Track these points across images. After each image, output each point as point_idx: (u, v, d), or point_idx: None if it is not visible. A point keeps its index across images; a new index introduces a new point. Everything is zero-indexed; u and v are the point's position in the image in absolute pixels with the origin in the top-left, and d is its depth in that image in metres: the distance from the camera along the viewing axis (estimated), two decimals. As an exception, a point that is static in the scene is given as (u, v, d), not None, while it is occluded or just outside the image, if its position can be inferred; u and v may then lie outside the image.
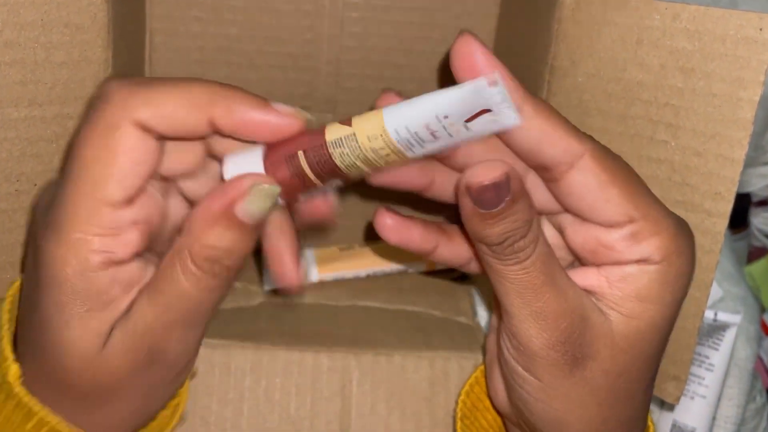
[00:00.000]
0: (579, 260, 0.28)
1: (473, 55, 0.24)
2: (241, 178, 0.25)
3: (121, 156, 0.24)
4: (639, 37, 0.30)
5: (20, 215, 0.32)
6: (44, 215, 0.25)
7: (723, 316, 0.42)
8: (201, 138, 0.26)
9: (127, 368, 0.26)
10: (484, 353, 0.35)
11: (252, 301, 0.41)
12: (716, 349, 0.42)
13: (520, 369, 0.28)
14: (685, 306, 0.34)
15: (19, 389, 0.26)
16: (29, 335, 0.27)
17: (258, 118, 0.24)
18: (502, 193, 0.24)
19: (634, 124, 0.32)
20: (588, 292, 0.27)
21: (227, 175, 0.26)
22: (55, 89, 0.31)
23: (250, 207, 0.24)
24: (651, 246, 0.26)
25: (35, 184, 0.32)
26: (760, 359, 0.51)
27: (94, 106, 0.25)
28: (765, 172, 0.54)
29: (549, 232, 0.28)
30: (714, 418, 0.43)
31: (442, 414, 0.37)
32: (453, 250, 0.29)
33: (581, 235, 0.27)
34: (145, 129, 0.24)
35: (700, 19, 0.29)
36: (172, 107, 0.24)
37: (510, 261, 0.25)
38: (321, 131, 0.25)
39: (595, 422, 0.28)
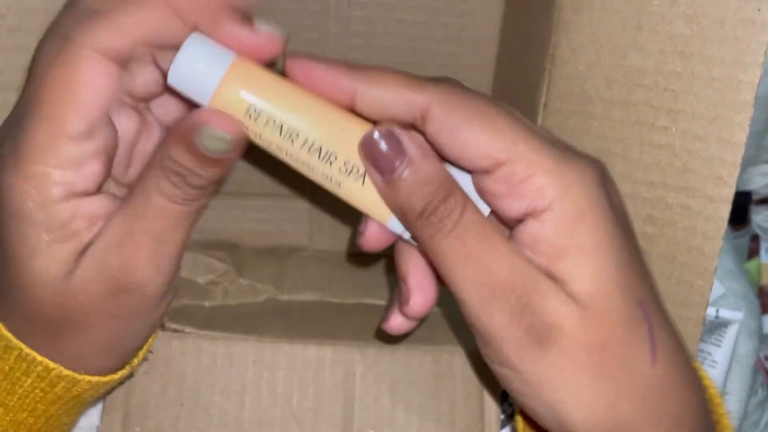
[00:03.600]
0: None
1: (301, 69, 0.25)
2: (201, 111, 0.25)
3: (82, 89, 0.24)
4: (638, 23, 0.31)
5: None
6: (2, 148, 0.25)
7: (725, 313, 0.42)
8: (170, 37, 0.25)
9: (96, 293, 0.26)
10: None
11: (257, 298, 0.41)
12: (718, 346, 0.42)
13: (497, 367, 0.26)
14: (689, 295, 0.34)
15: None
16: None
17: (246, 37, 0.25)
18: (396, 151, 0.24)
19: (636, 110, 0.32)
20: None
21: (174, 83, 0.25)
22: None
23: (205, 142, 0.24)
24: (536, 186, 0.24)
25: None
26: (759, 359, 0.51)
27: (52, 39, 0.24)
28: (766, 170, 0.55)
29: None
30: (718, 416, 0.43)
31: (447, 408, 0.36)
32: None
33: (483, 188, 0.25)
34: (109, 55, 0.24)
35: (699, 2, 0.30)
36: (131, 18, 0.24)
37: (441, 231, 0.24)
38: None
39: (599, 408, 0.24)
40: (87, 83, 0.24)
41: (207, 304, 0.40)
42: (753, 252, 0.59)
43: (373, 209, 0.26)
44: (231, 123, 0.24)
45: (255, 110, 0.25)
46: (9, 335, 0.27)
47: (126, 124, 0.27)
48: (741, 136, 0.31)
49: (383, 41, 0.42)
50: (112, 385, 0.30)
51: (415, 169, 0.24)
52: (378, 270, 0.45)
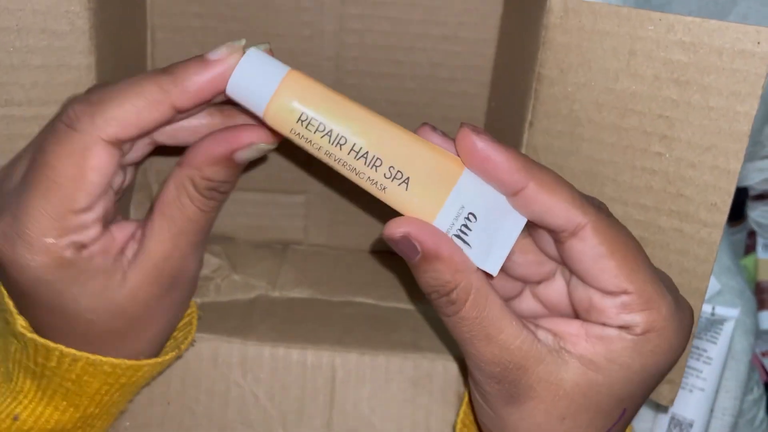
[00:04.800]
0: (574, 311, 0.29)
1: (475, 149, 0.26)
2: (245, 131, 0.28)
3: (90, 173, 0.26)
4: (632, 47, 0.29)
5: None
6: (4, 221, 0.27)
7: (721, 310, 0.42)
8: (170, 122, 0.28)
9: (154, 298, 0.29)
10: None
11: (249, 294, 0.42)
12: (714, 343, 0.42)
13: (477, 396, 0.30)
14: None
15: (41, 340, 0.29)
16: (41, 317, 0.29)
17: (205, 79, 0.27)
18: (410, 249, 0.26)
19: (627, 135, 0.31)
20: (560, 336, 0.28)
21: (232, 94, 0.27)
22: (34, 90, 0.32)
23: (246, 155, 0.28)
24: (637, 318, 0.27)
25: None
26: (755, 355, 0.51)
27: (60, 129, 0.27)
28: (763, 166, 0.53)
29: (558, 282, 0.30)
30: (712, 410, 0.43)
31: (422, 415, 0.37)
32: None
33: (579, 292, 0.28)
34: (113, 143, 0.27)
35: (696, 31, 0.28)
36: (135, 114, 0.26)
37: (440, 311, 0.28)
38: None
39: None
40: (94, 168, 0.26)
41: (198, 300, 0.40)
42: (749, 248, 0.59)
43: (416, 213, 0.27)
44: (271, 135, 0.28)
45: (306, 118, 0.27)
46: (72, 351, 0.29)
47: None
48: (736, 164, 0.29)
49: (378, 39, 0.40)
50: (165, 365, 0.33)
51: (426, 268, 0.27)
52: (373, 266, 0.45)
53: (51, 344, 0.29)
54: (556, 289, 0.30)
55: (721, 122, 0.29)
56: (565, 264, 0.28)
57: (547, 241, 0.29)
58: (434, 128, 0.28)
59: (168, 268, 0.29)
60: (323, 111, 0.27)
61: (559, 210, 0.26)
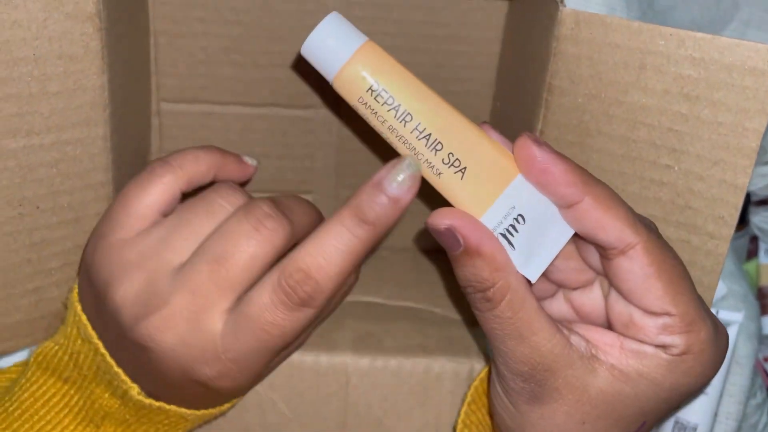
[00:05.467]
0: (609, 323, 0.29)
1: (534, 159, 0.26)
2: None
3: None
4: (642, 61, 0.29)
5: (24, 236, 0.33)
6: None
7: (725, 315, 0.42)
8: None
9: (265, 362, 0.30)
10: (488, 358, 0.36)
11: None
12: (720, 348, 0.42)
13: (499, 389, 0.30)
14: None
15: (145, 399, 0.31)
16: (160, 387, 0.31)
17: (236, 171, 0.34)
18: (453, 242, 0.26)
19: (637, 147, 0.31)
20: (594, 344, 0.28)
21: (306, 54, 0.28)
22: (52, 118, 0.31)
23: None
24: (677, 340, 0.27)
25: (37, 207, 0.33)
26: (758, 360, 0.51)
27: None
28: (766, 171, 0.53)
29: (595, 292, 0.30)
30: (716, 415, 0.43)
31: (432, 417, 0.37)
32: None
33: (619, 307, 0.28)
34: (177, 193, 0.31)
35: (706, 47, 0.28)
36: (198, 176, 0.32)
37: (475, 307, 0.28)
38: None
39: None
40: None
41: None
42: (752, 253, 0.58)
43: (466, 203, 0.27)
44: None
45: (376, 89, 0.27)
46: (184, 410, 0.32)
47: None
48: (744, 179, 0.30)
49: (382, 41, 0.40)
50: (218, 415, 0.34)
51: (465, 262, 0.27)
52: (379, 263, 0.45)
53: (165, 406, 0.31)
54: (592, 298, 0.30)
55: (730, 138, 0.29)
56: (609, 279, 0.28)
57: (592, 252, 0.29)
58: (493, 128, 0.28)
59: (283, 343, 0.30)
60: (394, 86, 0.27)
61: (612, 228, 0.26)
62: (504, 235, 0.27)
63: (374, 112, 0.27)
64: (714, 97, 0.29)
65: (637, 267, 0.27)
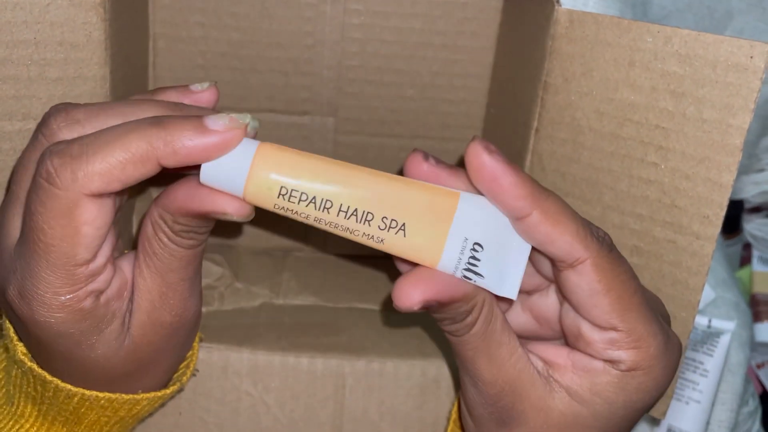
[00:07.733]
0: (562, 333, 0.30)
1: (483, 168, 0.26)
2: (223, 199, 0.26)
3: (83, 228, 0.25)
4: (631, 58, 0.30)
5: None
6: (10, 288, 0.27)
7: (717, 323, 0.42)
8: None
9: (158, 342, 0.29)
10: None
11: (253, 302, 0.42)
12: (710, 355, 0.42)
13: (470, 420, 0.31)
14: (672, 327, 0.34)
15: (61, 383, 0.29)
16: (58, 364, 0.29)
17: (197, 146, 0.25)
18: (429, 309, 0.27)
19: (625, 144, 0.32)
20: (549, 364, 0.28)
21: (207, 182, 0.26)
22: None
23: (221, 218, 0.27)
24: (623, 355, 0.27)
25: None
26: (750, 368, 0.51)
27: (42, 187, 0.25)
28: (758, 179, 0.54)
29: (552, 297, 0.30)
30: (708, 423, 0.43)
31: (431, 420, 0.37)
32: None
33: (570, 318, 0.28)
34: (100, 196, 0.26)
35: (692, 44, 0.29)
36: (119, 170, 0.25)
37: (447, 333, 0.28)
38: None
39: None
40: (86, 222, 0.25)
41: (204, 309, 0.41)
42: (745, 260, 0.59)
43: (419, 257, 0.27)
44: (248, 208, 0.27)
45: (286, 190, 0.26)
46: (68, 386, 0.29)
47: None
48: (728, 178, 0.30)
49: (379, 48, 0.41)
50: (165, 398, 0.33)
51: (439, 311, 0.27)
52: (372, 272, 0.46)
53: (48, 377, 0.29)
54: (548, 303, 0.30)
55: (714, 135, 0.30)
56: (559, 289, 0.28)
57: (544, 261, 0.29)
58: (425, 156, 0.27)
59: (167, 313, 0.29)
60: (302, 178, 0.26)
61: (561, 242, 0.26)
62: (468, 271, 0.27)
63: (294, 212, 0.26)
64: (699, 93, 0.29)
65: (584, 282, 0.27)
